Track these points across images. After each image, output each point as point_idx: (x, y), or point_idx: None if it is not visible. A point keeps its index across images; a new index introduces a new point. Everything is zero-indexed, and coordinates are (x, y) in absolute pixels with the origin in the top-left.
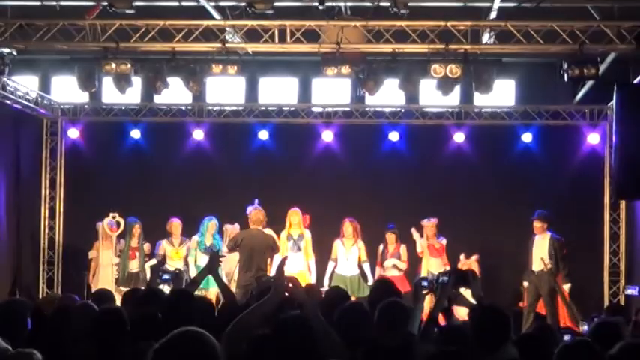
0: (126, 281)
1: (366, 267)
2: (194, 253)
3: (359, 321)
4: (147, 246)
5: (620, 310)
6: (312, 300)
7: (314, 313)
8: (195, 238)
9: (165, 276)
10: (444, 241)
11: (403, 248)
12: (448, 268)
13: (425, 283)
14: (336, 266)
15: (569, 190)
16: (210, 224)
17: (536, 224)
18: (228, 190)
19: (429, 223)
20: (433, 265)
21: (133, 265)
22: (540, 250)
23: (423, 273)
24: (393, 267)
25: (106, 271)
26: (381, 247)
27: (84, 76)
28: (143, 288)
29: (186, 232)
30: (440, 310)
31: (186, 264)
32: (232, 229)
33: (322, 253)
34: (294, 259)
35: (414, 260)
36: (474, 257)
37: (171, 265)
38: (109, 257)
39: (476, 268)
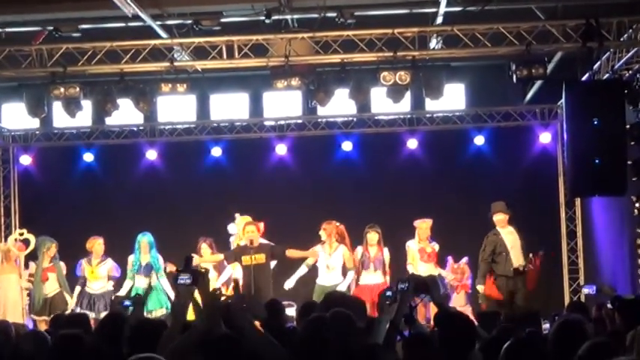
0: (42, 309)
1: (350, 276)
2: (131, 275)
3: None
4: (62, 265)
5: (582, 308)
6: (246, 315)
7: (250, 328)
8: (131, 258)
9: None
10: (436, 246)
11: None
12: (443, 273)
13: (389, 294)
14: (318, 276)
15: (524, 190)
16: (143, 241)
17: (500, 217)
18: (183, 208)
19: (424, 223)
20: (424, 272)
21: (49, 288)
22: (514, 247)
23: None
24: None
25: (12, 297)
26: (360, 249)
27: (33, 103)
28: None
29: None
30: (401, 318)
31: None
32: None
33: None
34: None
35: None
36: (465, 260)
37: (89, 287)
38: (14, 281)
39: (467, 271)
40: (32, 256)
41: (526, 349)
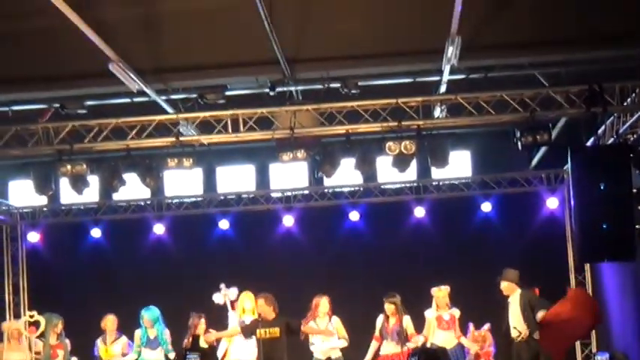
0: None
1: (341, 344)
2: (137, 350)
3: None
4: (67, 342)
5: None
6: None
7: None
8: (138, 332)
9: None
10: (457, 313)
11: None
12: (465, 343)
13: None
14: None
15: (533, 256)
16: (145, 316)
17: (502, 285)
18: (192, 282)
19: (440, 291)
20: (442, 340)
21: None
22: (513, 314)
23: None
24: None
25: None
26: (381, 318)
27: (40, 181)
28: None
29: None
30: None
31: None
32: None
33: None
34: (246, 345)
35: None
36: (487, 327)
37: None
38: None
39: (489, 338)
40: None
41: None
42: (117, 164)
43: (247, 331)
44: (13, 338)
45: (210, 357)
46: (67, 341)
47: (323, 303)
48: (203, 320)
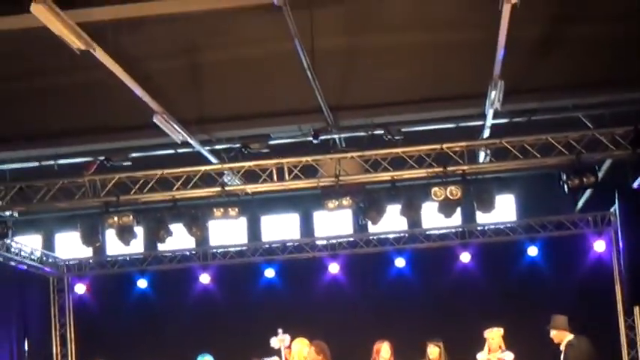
0: None
1: None
2: None
3: None
4: None
5: None
6: None
7: None
8: None
9: None
10: (509, 357)
11: None
12: None
13: None
14: None
15: (581, 300)
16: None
17: (552, 333)
18: (239, 332)
19: (493, 333)
20: None
21: None
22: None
23: None
24: None
25: None
26: None
27: (87, 232)
28: None
29: None
30: None
31: None
32: None
33: None
34: None
35: None
36: None
37: None
38: None
39: None
40: None
41: None
42: (163, 215)
43: None
44: None
45: None
46: None
47: (384, 348)
48: None
